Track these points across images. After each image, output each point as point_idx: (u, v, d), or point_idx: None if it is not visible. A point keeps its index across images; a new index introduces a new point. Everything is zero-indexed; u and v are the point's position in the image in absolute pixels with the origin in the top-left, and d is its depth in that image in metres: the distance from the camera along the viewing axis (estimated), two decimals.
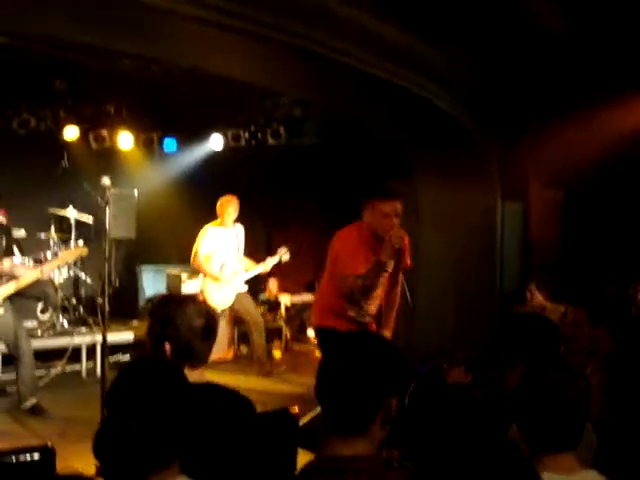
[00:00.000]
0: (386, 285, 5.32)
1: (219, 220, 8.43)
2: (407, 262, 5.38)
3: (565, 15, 6.85)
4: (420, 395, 3.63)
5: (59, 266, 8.61)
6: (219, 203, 8.41)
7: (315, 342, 10.45)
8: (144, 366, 2.33)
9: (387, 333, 5.38)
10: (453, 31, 6.79)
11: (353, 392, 2.12)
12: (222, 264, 8.34)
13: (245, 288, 8.55)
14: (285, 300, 10.79)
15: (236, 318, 9.34)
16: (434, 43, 6.80)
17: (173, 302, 3.08)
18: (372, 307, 5.29)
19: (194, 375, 2.88)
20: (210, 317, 3.08)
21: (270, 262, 8.70)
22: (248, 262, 8.70)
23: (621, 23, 6.77)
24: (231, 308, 8.55)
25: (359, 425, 2.14)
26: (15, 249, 7.83)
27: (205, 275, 8.40)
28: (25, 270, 6.80)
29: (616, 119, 7.36)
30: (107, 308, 5.97)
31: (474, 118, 7.94)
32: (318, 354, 9.86)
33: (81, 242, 9.08)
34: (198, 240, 8.34)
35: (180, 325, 2.94)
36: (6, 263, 6.63)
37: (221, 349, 9.28)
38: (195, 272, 9.71)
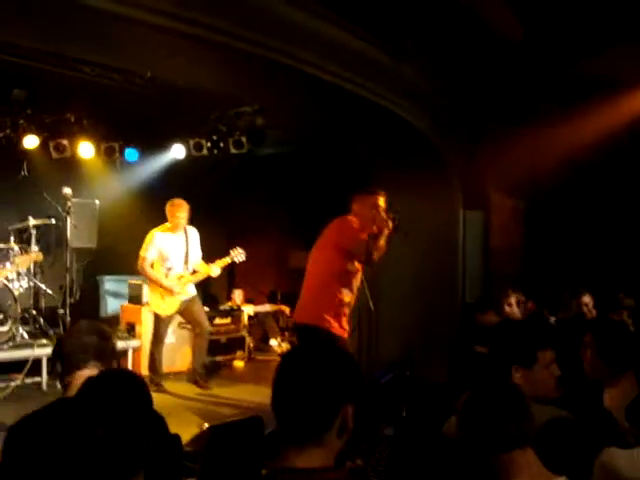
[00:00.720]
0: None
1: (167, 224, 8.29)
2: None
3: (523, 25, 6.94)
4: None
5: (16, 274, 8.51)
6: (167, 206, 8.27)
7: (282, 349, 10.48)
8: (110, 377, 2.32)
9: None
10: (414, 41, 6.85)
11: (306, 399, 2.09)
12: (168, 269, 8.16)
13: (193, 293, 8.34)
14: (248, 310, 10.76)
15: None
16: (394, 53, 6.85)
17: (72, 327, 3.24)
18: (357, 283, 5.74)
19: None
20: (102, 334, 3.17)
21: (220, 263, 8.39)
22: (202, 264, 8.42)
23: (578, 33, 6.88)
24: (180, 314, 8.41)
25: (314, 434, 2.10)
26: None
27: (150, 280, 8.24)
28: None
29: (574, 128, 7.46)
30: (68, 318, 5.92)
31: (434, 127, 8.00)
32: None
33: (36, 248, 8.95)
34: (144, 244, 8.18)
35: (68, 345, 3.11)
36: None
37: (185, 358, 9.22)
38: None
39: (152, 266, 8.14)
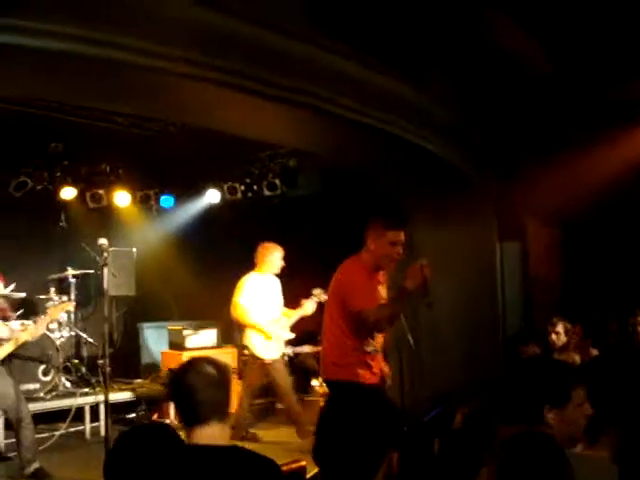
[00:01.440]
0: None
1: (258, 268, 8.10)
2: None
3: (551, 56, 6.93)
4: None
5: (58, 324, 8.61)
6: (259, 250, 8.12)
7: (323, 389, 10.39)
8: (140, 431, 2.31)
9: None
10: (444, 76, 6.87)
11: (349, 451, 2.07)
12: (266, 313, 7.95)
13: (291, 335, 8.23)
14: (288, 351, 10.72)
15: None
16: (425, 89, 6.86)
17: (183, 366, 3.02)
18: (381, 338, 5.27)
19: (207, 432, 2.84)
20: (218, 368, 2.98)
21: (309, 305, 8.11)
22: (285, 310, 8.26)
23: (610, 60, 6.86)
24: None
25: None
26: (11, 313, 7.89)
27: (247, 326, 7.97)
28: (14, 332, 6.81)
29: (609, 155, 7.40)
30: (108, 368, 5.95)
31: (468, 160, 7.98)
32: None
33: (67, 297, 9.04)
34: (237, 290, 8.01)
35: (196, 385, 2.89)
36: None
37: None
38: (198, 327, 9.70)
39: (248, 311, 7.92)
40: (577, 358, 6.69)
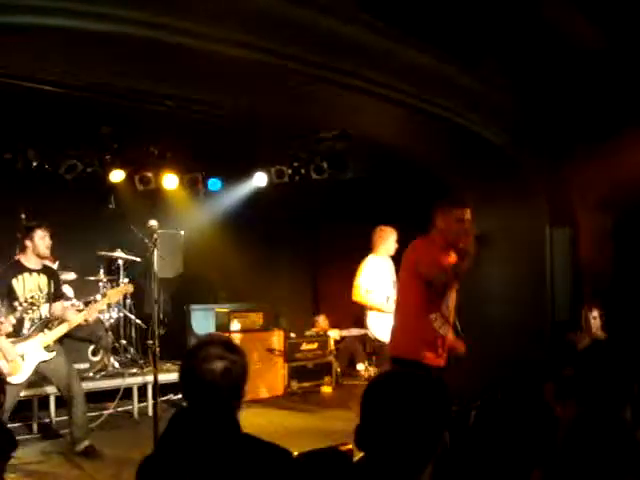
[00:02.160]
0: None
1: (376, 250, 8.25)
2: None
3: (606, 33, 6.78)
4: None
5: (107, 305, 8.70)
6: (376, 233, 8.26)
7: (369, 374, 10.39)
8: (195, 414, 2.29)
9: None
10: (494, 58, 6.77)
11: (403, 438, 2.02)
12: (387, 296, 8.00)
13: None
14: (334, 335, 10.74)
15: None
16: (475, 72, 6.78)
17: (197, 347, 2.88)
18: (451, 314, 5.36)
19: None
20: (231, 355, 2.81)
21: None
22: None
23: None
24: None
25: (414, 474, 2.03)
26: (66, 292, 7.99)
27: (369, 308, 8.11)
28: (73, 313, 6.91)
29: None
30: (157, 349, 6.01)
31: (517, 145, 7.88)
32: None
33: (126, 280, 9.16)
34: (358, 273, 8.17)
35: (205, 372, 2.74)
36: (57, 306, 6.74)
37: (273, 385, 9.28)
38: (245, 309, 9.76)
39: (368, 293, 8.07)
40: None
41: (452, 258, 5.28)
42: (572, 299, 8.47)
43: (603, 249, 8.67)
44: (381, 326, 7.89)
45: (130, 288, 8.03)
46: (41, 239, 6.57)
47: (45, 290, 6.61)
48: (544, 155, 8.22)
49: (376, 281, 8.11)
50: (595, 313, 7.16)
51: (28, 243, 6.55)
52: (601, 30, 6.76)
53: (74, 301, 8.32)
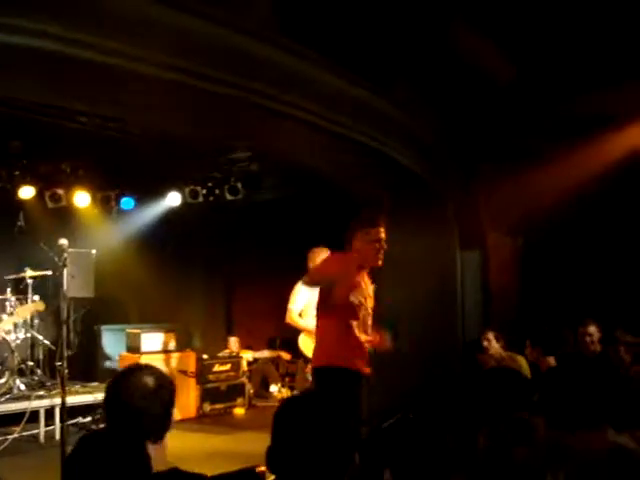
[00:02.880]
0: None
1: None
2: None
3: (515, 64, 7.01)
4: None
5: (13, 325, 8.48)
6: (309, 255, 8.14)
7: (282, 395, 10.38)
8: (101, 439, 2.25)
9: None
10: (407, 84, 6.91)
11: (313, 458, 2.05)
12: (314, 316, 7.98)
13: None
14: (247, 356, 10.70)
15: None
16: (388, 96, 6.90)
17: (125, 372, 2.81)
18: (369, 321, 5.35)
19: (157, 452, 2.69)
20: (164, 380, 2.80)
21: None
22: None
23: (571, 70, 6.95)
24: None
25: None
26: None
27: (302, 331, 7.86)
28: None
29: (569, 165, 7.49)
30: (66, 371, 5.87)
31: (429, 168, 8.04)
32: None
33: (37, 297, 8.94)
34: (291, 296, 7.91)
35: (132, 395, 2.69)
36: None
37: (185, 407, 9.16)
38: (157, 330, 9.64)
39: (300, 315, 7.87)
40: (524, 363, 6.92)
41: (365, 278, 5.33)
42: (482, 320, 8.65)
43: (512, 271, 8.90)
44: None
45: (40, 306, 7.84)
46: None
47: None
48: (456, 179, 8.40)
49: (308, 304, 8.04)
50: (490, 336, 7.37)
51: None
52: (509, 60, 6.99)
53: None
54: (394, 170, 7.76)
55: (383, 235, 5.28)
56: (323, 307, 5.33)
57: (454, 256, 8.55)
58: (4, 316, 8.28)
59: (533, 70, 7.07)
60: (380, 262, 5.25)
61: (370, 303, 5.36)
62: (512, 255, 8.98)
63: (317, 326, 5.54)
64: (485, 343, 7.40)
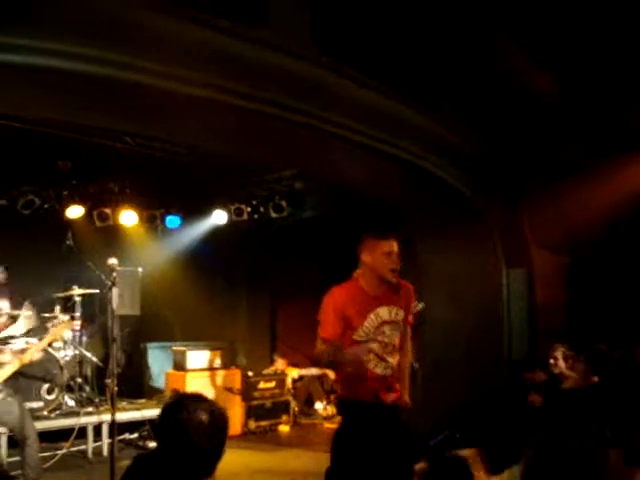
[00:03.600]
0: (398, 340, 5.06)
1: None
2: (409, 319, 5.24)
3: (559, 80, 6.96)
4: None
5: (63, 343, 8.61)
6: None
7: (327, 412, 10.36)
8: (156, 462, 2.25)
9: (406, 397, 5.04)
10: (453, 103, 6.90)
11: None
12: None
13: None
14: (292, 373, 10.71)
15: None
16: (434, 115, 6.90)
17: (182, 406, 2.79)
18: (392, 359, 5.00)
19: None
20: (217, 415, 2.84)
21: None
22: None
23: (617, 87, 6.88)
24: None
25: None
26: (19, 328, 7.89)
27: None
28: (17, 353, 6.80)
29: (616, 182, 7.40)
30: (115, 388, 5.93)
31: (474, 187, 7.99)
32: (327, 427, 9.74)
33: (67, 316, 9.03)
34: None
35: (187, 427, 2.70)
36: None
37: (231, 424, 9.18)
38: (203, 347, 9.72)
39: None
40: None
41: (381, 304, 5.03)
42: (529, 339, 8.55)
43: (559, 290, 8.79)
44: None
45: (72, 324, 7.95)
46: None
47: None
48: (500, 197, 8.35)
49: None
50: (558, 354, 7.08)
51: None
52: (553, 76, 6.94)
53: (28, 339, 8.18)
54: (439, 188, 7.74)
55: (395, 249, 4.96)
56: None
57: (500, 273, 8.47)
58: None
59: (578, 86, 7.00)
60: (394, 279, 4.94)
61: (399, 317, 5.00)
62: (558, 272, 8.87)
63: None
64: (552, 361, 7.10)
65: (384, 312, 5.06)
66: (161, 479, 2.19)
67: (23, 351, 6.93)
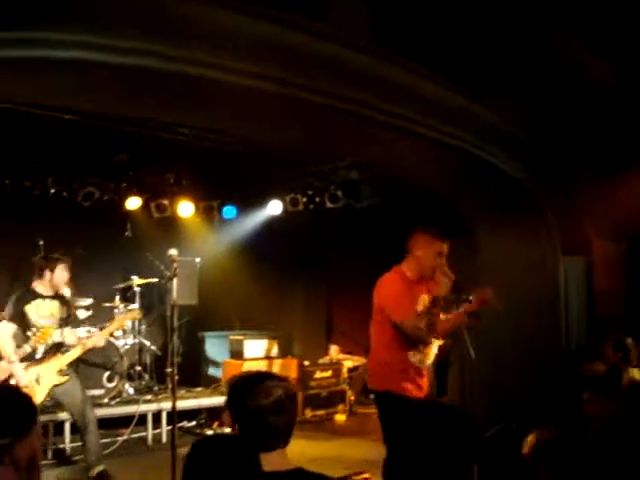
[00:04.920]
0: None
1: None
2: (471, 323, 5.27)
3: (617, 69, 6.84)
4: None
5: (122, 332, 8.78)
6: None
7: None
8: (216, 445, 2.29)
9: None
10: (507, 90, 6.82)
11: (426, 468, 2.05)
12: None
13: None
14: (347, 363, 10.73)
15: None
16: (491, 105, 6.84)
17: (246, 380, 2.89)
18: (432, 349, 5.19)
19: (274, 459, 2.78)
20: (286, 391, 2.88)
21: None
22: None
23: None
24: None
25: None
26: (80, 316, 8.06)
27: None
28: (85, 338, 6.98)
29: None
30: (176, 377, 6.03)
31: (530, 175, 7.90)
32: None
33: (136, 306, 9.20)
34: None
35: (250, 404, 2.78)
36: (68, 332, 6.78)
37: None
38: (259, 337, 9.80)
39: None
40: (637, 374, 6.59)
41: (423, 288, 5.17)
42: (587, 328, 8.44)
43: (617, 277, 8.66)
44: None
45: (137, 314, 8.10)
46: (61, 273, 6.67)
47: (58, 316, 6.67)
48: (557, 186, 8.24)
49: None
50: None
51: (47, 273, 6.63)
52: (610, 66, 6.82)
53: (89, 327, 8.36)
54: (496, 179, 7.67)
55: (446, 251, 5.07)
56: (381, 329, 5.21)
57: (557, 261, 8.37)
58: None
59: (636, 75, 6.87)
60: (434, 277, 5.02)
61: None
62: (617, 260, 8.73)
63: (372, 348, 5.39)
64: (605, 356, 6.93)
65: (425, 299, 5.15)
66: (225, 461, 2.21)
67: (87, 338, 7.11)
